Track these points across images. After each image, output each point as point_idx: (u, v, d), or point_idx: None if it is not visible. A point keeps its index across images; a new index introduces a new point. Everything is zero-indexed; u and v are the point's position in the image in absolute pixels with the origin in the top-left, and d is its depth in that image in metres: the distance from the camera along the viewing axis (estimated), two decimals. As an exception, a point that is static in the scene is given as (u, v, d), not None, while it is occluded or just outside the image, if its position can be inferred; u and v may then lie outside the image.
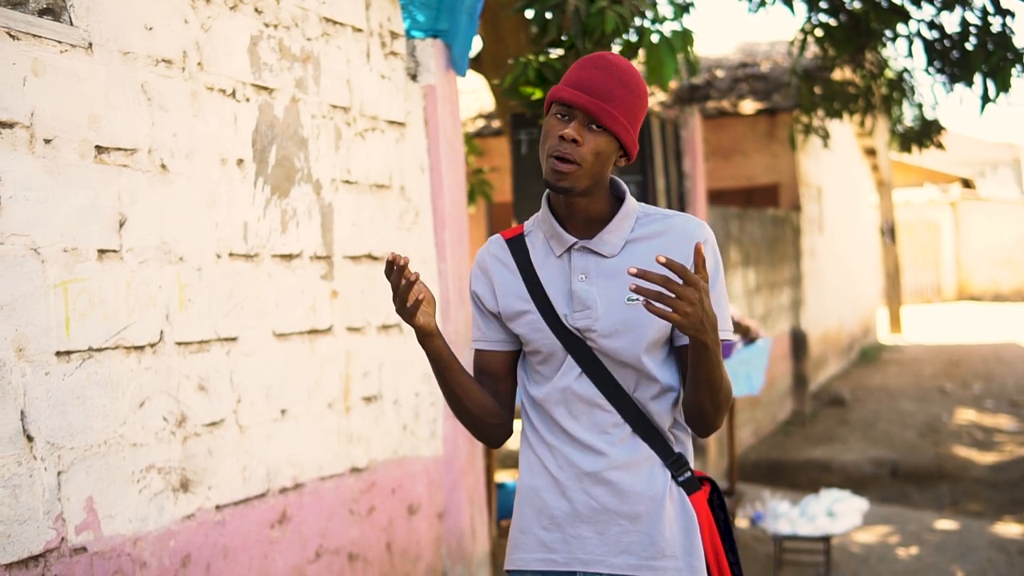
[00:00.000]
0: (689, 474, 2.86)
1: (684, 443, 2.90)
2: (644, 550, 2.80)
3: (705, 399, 2.72)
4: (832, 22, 10.63)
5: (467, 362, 4.98)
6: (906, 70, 12.82)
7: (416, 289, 2.73)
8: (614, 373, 2.81)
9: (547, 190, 2.85)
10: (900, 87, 12.62)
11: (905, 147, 13.45)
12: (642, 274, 2.46)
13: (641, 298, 2.63)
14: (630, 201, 2.84)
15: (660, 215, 2.85)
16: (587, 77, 2.71)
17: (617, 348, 2.78)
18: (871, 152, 23.33)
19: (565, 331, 2.81)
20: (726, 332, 2.75)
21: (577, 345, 2.81)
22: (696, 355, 2.64)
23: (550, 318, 2.82)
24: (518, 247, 2.91)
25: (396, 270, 2.66)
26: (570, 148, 2.69)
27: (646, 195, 9.99)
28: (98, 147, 3.79)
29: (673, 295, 2.47)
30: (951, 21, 17.11)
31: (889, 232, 25.27)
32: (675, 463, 2.84)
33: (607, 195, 2.84)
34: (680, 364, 2.85)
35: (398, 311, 2.71)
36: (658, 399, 2.83)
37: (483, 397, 2.96)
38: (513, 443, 12.50)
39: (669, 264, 2.44)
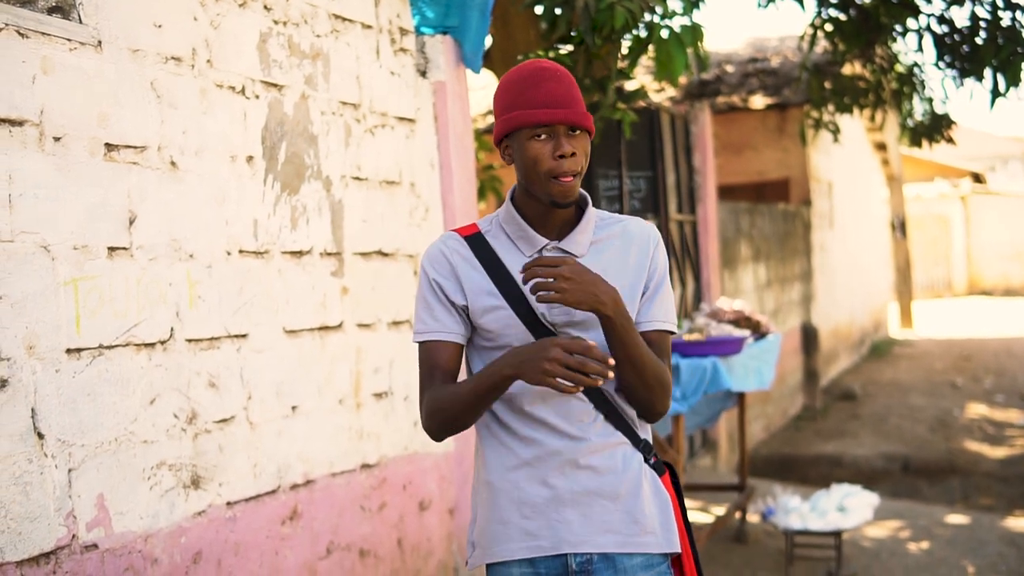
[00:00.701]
0: (655, 458, 3.00)
1: (647, 431, 3.02)
2: (627, 527, 2.90)
3: (631, 376, 2.84)
4: (842, 17, 10.61)
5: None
6: (916, 64, 12.78)
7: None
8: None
9: (509, 193, 2.97)
10: (910, 81, 12.59)
11: (915, 142, 13.42)
12: (525, 272, 2.71)
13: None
14: (590, 206, 2.97)
15: (615, 219, 3.01)
16: (548, 92, 2.81)
17: (592, 341, 2.80)
18: (881, 147, 23.29)
19: (539, 327, 2.87)
20: (668, 323, 2.98)
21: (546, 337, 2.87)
22: (605, 330, 2.79)
23: (524, 314, 2.88)
24: (479, 245, 2.96)
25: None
26: (571, 163, 2.80)
27: (656, 191, 10.00)
28: (108, 145, 3.79)
29: (550, 279, 2.68)
30: (961, 15, 17.03)
31: (900, 227, 25.22)
32: (644, 447, 2.96)
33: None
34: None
35: (551, 370, 2.65)
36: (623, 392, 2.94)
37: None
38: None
39: (536, 261, 2.70)
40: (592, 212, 2.96)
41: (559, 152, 2.78)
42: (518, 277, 2.89)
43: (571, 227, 2.93)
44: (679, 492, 3.09)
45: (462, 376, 2.99)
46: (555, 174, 2.79)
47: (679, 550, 2.97)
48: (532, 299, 2.87)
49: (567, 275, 2.68)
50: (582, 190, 2.94)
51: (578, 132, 2.82)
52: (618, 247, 2.95)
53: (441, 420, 2.92)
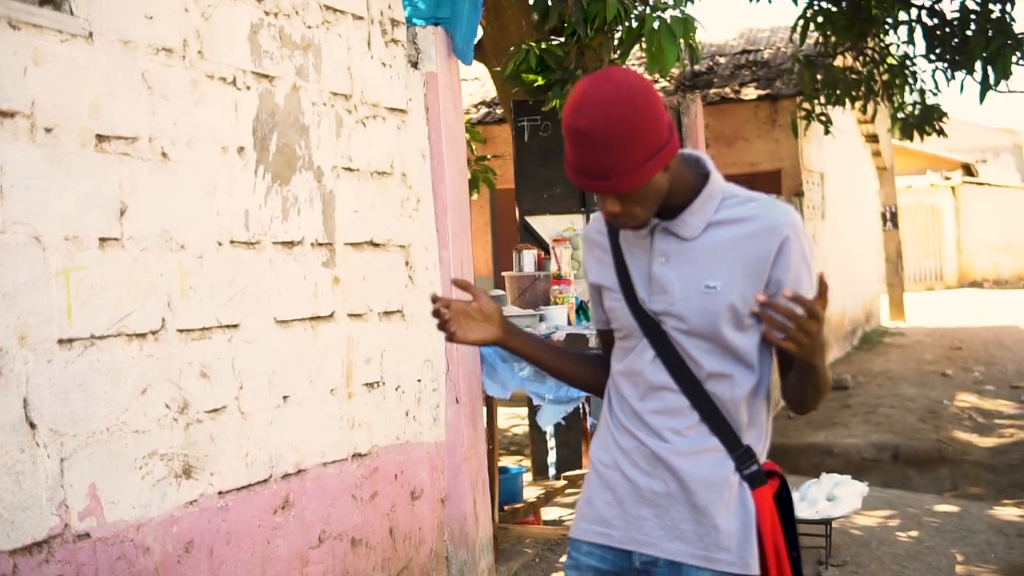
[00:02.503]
0: (755, 467, 2.82)
1: (756, 435, 2.86)
2: (699, 540, 2.79)
3: (809, 397, 2.82)
4: (833, 9, 10.65)
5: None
6: (907, 56, 12.81)
7: (446, 311, 2.90)
8: (686, 359, 2.79)
9: None
10: (901, 73, 12.61)
11: (906, 133, 13.46)
12: (769, 305, 2.54)
13: (718, 285, 2.72)
14: (715, 180, 2.79)
15: (744, 197, 2.79)
16: (581, 160, 2.59)
17: (691, 334, 2.77)
18: (873, 138, 23.31)
19: (642, 313, 2.82)
20: None
21: (653, 328, 2.81)
22: (802, 369, 2.73)
23: (630, 299, 2.84)
24: (613, 227, 2.92)
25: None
26: (621, 217, 2.71)
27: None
28: (99, 136, 3.81)
29: (793, 325, 2.54)
30: (951, 7, 17.07)
31: (891, 218, 25.25)
32: (742, 455, 2.80)
33: (687, 176, 2.78)
34: (778, 356, 2.87)
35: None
36: (730, 388, 2.80)
37: (586, 369, 3.14)
38: (514, 428, 12.53)
39: (796, 299, 2.51)
40: (715, 189, 2.77)
41: (606, 213, 2.71)
42: (632, 258, 2.85)
43: (685, 205, 2.77)
44: (791, 505, 2.94)
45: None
46: (607, 219, 2.77)
47: (755, 572, 2.79)
48: (637, 283, 2.83)
49: (811, 332, 2.55)
50: (706, 160, 2.81)
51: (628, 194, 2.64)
52: (739, 233, 2.74)
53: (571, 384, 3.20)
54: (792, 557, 2.89)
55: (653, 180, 2.62)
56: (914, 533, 8.10)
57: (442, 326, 2.92)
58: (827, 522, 7.33)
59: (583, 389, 3.17)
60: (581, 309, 7.28)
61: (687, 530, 2.80)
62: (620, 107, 2.53)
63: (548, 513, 8.16)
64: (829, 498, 7.50)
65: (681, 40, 6.57)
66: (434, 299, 2.90)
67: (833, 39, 11.11)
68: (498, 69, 8.20)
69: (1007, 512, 8.90)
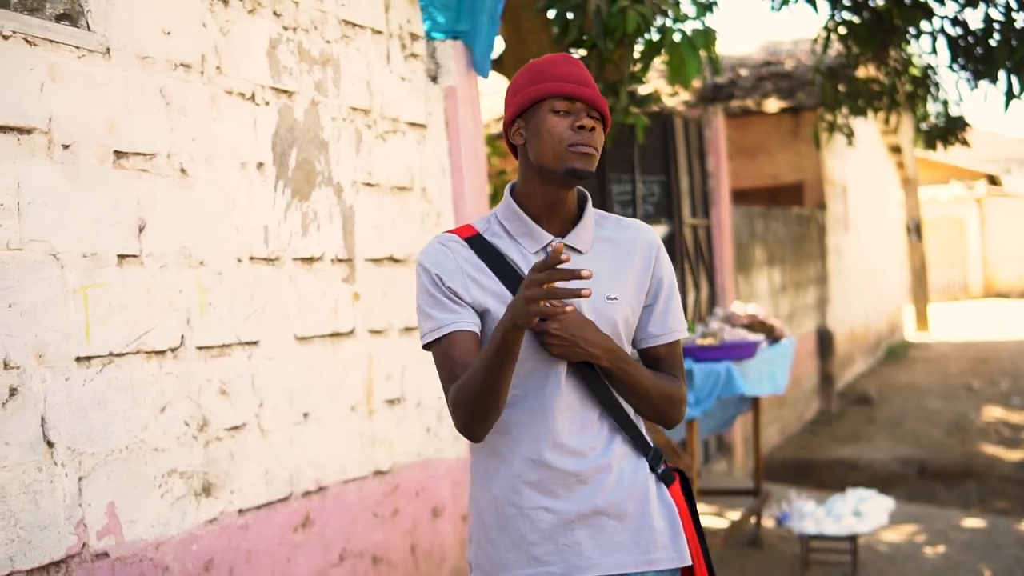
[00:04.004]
0: (664, 467, 2.93)
1: (649, 438, 2.95)
2: (637, 545, 2.83)
3: (638, 405, 2.86)
4: (855, 19, 10.59)
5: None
6: (930, 67, 12.74)
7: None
8: (597, 368, 2.81)
9: (508, 189, 2.88)
10: (924, 84, 12.54)
11: (930, 144, 13.37)
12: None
13: (618, 295, 2.82)
14: (590, 202, 2.93)
15: (613, 218, 2.96)
16: (573, 72, 2.79)
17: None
18: (896, 149, 23.23)
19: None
20: (682, 331, 2.96)
21: None
22: (605, 375, 2.81)
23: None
24: (481, 246, 2.83)
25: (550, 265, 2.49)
26: (592, 137, 2.75)
27: (670, 195, 9.98)
28: (117, 152, 3.79)
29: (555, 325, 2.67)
30: (975, 17, 16.99)
31: (915, 229, 25.16)
32: (653, 456, 2.89)
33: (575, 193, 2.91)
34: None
35: (532, 305, 2.49)
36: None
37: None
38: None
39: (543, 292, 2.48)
40: (591, 209, 2.90)
41: (579, 123, 2.73)
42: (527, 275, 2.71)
43: (574, 223, 2.86)
44: (690, 499, 3.01)
45: None
46: (573, 144, 2.72)
47: (689, 562, 2.90)
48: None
49: (560, 332, 2.67)
50: (581, 188, 2.89)
51: (595, 117, 2.77)
52: (619, 250, 2.88)
53: (467, 408, 2.70)
54: (702, 546, 2.99)
55: (603, 132, 2.81)
56: (941, 548, 8.04)
57: (543, 308, 2.54)
58: (853, 538, 7.28)
59: (491, 415, 2.75)
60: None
61: (624, 540, 2.83)
62: None
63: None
64: (855, 513, 7.46)
65: (702, 52, 6.54)
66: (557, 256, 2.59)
67: (855, 50, 11.04)
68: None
69: (1035, 526, 8.83)
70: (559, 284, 2.61)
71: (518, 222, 2.83)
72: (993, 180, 35.84)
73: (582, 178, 2.74)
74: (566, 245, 2.82)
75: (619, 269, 2.85)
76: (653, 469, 2.90)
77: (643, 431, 2.91)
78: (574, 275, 2.42)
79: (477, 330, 2.78)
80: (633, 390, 2.81)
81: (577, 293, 2.43)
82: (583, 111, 2.75)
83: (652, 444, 2.91)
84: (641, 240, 2.91)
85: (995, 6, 9.57)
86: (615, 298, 2.81)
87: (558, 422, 2.79)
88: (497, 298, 2.77)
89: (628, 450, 2.86)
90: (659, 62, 7.59)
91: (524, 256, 2.81)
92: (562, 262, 2.42)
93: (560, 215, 2.83)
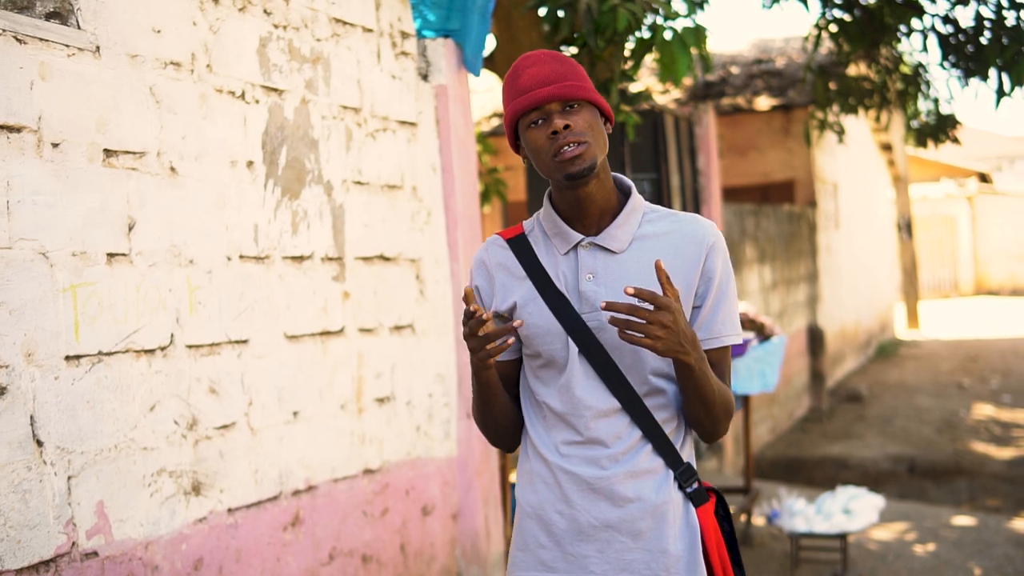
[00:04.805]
0: (697, 485, 2.77)
1: (690, 453, 2.82)
2: (647, 567, 2.71)
3: (699, 413, 2.72)
4: (846, 17, 10.60)
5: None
6: (921, 65, 12.76)
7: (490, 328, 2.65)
8: (627, 375, 2.72)
9: (548, 190, 2.83)
10: (915, 82, 12.55)
11: (921, 142, 13.39)
12: (608, 306, 2.48)
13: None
14: (636, 196, 2.80)
15: (667, 213, 2.80)
16: (532, 77, 2.69)
17: (628, 349, 2.70)
18: (887, 147, 23.28)
19: (580, 331, 2.72)
20: (734, 336, 2.79)
21: (590, 346, 2.71)
22: (681, 374, 2.65)
23: (566, 318, 2.73)
24: (521, 247, 2.84)
25: (469, 314, 2.62)
26: (570, 134, 2.64)
27: (660, 193, 9.97)
28: (106, 150, 3.78)
29: (644, 321, 2.50)
30: (965, 15, 17.00)
31: (906, 227, 25.20)
32: (684, 473, 2.75)
33: (613, 187, 2.80)
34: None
35: (478, 353, 2.66)
36: (667, 404, 2.75)
37: (515, 410, 2.91)
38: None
39: (638, 293, 2.47)
40: (637, 204, 2.78)
41: (551, 130, 2.63)
42: (556, 276, 2.76)
43: (610, 220, 2.76)
44: (730, 522, 2.88)
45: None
46: (556, 151, 2.64)
47: None
48: (575, 300, 2.73)
49: (666, 324, 2.51)
50: (626, 179, 2.82)
51: (576, 107, 2.67)
52: (666, 246, 2.72)
53: (480, 426, 2.93)
54: (737, 575, 2.86)
55: (597, 120, 2.71)
56: (931, 547, 8.06)
57: (482, 344, 2.64)
58: (843, 536, 7.29)
59: (506, 436, 2.94)
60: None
61: (634, 560, 2.72)
62: (561, 53, 2.76)
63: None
64: (845, 511, 7.46)
65: (693, 50, 6.53)
66: (469, 296, 2.64)
67: (846, 48, 11.05)
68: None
69: (1025, 524, 8.85)
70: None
71: (552, 223, 2.80)
72: (984, 178, 35.93)
73: (582, 177, 2.66)
74: (596, 244, 2.74)
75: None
76: (682, 487, 2.76)
77: (676, 445, 2.76)
78: (482, 322, 2.57)
79: (512, 354, 2.90)
80: (703, 397, 2.67)
81: (510, 329, 2.58)
82: (555, 112, 2.66)
83: (685, 463, 2.77)
84: (690, 235, 2.74)
85: (986, 4, 9.58)
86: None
87: (583, 428, 2.74)
88: (526, 295, 2.79)
89: (654, 464, 2.73)
90: (650, 60, 7.58)
91: (554, 257, 2.79)
92: (467, 302, 2.58)
93: (592, 213, 2.76)
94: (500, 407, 2.85)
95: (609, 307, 2.48)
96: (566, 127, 2.64)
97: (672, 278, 2.65)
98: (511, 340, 2.62)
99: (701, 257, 2.72)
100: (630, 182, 2.83)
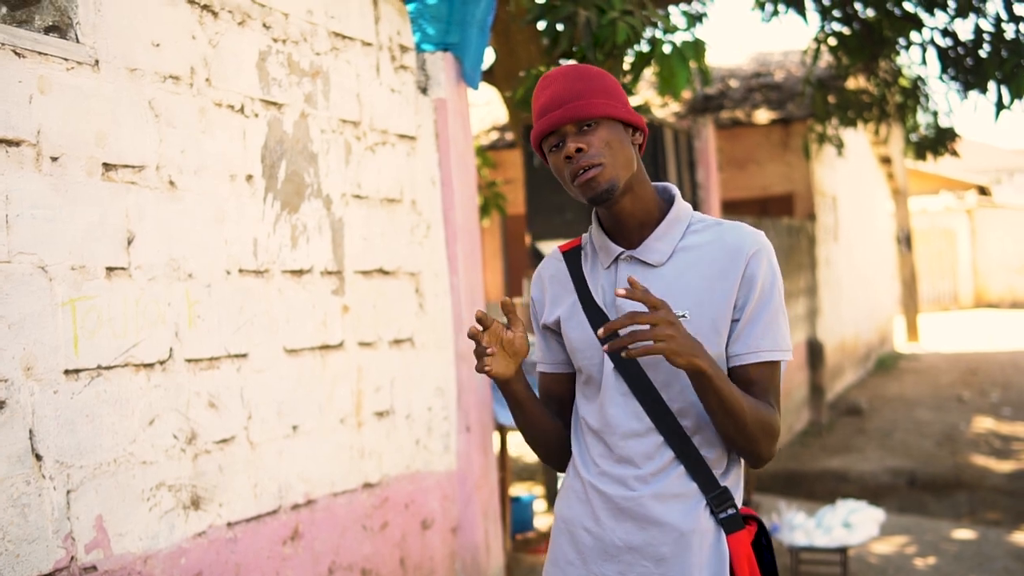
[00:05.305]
0: (732, 511, 2.66)
1: (734, 476, 2.71)
2: None
3: (729, 430, 2.59)
4: (845, 31, 10.62)
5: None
6: (920, 78, 12.78)
7: (492, 339, 2.70)
8: (663, 393, 2.65)
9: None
10: (914, 95, 12.58)
11: (920, 155, 13.41)
12: (608, 327, 2.44)
13: (688, 312, 2.60)
14: (680, 205, 2.73)
15: (712, 222, 2.72)
16: (548, 97, 2.64)
17: (667, 366, 2.63)
18: (886, 160, 23.28)
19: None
20: (775, 352, 2.65)
21: (625, 362, 2.66)
22: (697, 384, 2.54)
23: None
24: (573, 260, 2.82)
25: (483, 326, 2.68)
26: (583, 157, 2.59)
27: (660, 206, 9.95)
28: (105, 164, 3.78)
29: (648, 327, 2.43)
30: (965, 28, 17.06)
31: (905, 240, 25.21)
32: (718, 498, 2.64)
33: (654, 197, 2.73)
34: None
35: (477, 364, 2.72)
36: (708, 425, 2.65)
37: (555, 427, 2.89)
38: (525, 455, 12.48)
39: (629, 293, 2.43)
40: (681, 213, 2.71)
41: (566, 155, 2.59)
42: (595, 291, 2.74)
43: (651, 232, 2.70)
44: (764, 552, 2.76)
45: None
46: (573, 176, 2.60)
47: None
48: (612, 315, 2.69)
49: (672, 320, 2.44)
50: (670, 187, 2.77)
51: (592, 126, 2.60)
52: (702, 258, 2.65)
53: (525, 441, 2.94)
54: None
55: (619, 134, 2.63)
56: (932, 560, 8.04)
57: (480, 354, 2.68)
58: (843, 549, 7.28)
59: (550, 454, 2.93)
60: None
61: None
62: (588, 66, 2.69)
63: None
64: (845, 525, 7.45)
65: (692, 64, 6.54)
66: (480, 317, 2.66)
67: (845, 61, 11.08)
68: (508, 94, 8.19)
69: (1026, 538, 8.84)
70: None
71: (598, 236, 2.77)
72: (983, 191, 35.95)
73: (603, 200, 2.62)
74: (634, 257, 2.69)
75: (698, 280, 2.64)
76: (714, 512, 2.66)
77: (713, 468, 2.66)
78: (477, 338, 2.66)
79: (558, 368, 2.91)
80: (729, 411, 2.53)
81: (484, 352, 2.65)
82: (569, 134, 2.61)
83: (722, 487, 2.66)
84: (730, 245, 2.64)
85: (985, 17, 9.61)
86: (683, 315, 2.59)
87: (614, 447, 2.70)
88: (570, 309, 2.78)
89: (686, 487, 2.65)
90: (649, 73, 7.59)
91: (598, 270, 2.77)
92: (507, 309, 2.67)
93: (632, 227, 2.70)
94: (531, 421, 2.85)
95: (607, 328, 2.44)
96: (579, 150, 2.59)
97: (708, 291, 2.62)
98: (491, 349, 2.65)
99: (741, 266, 2.62)
100: (674, 191, 2.78)
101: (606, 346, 2.45)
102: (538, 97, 2.67)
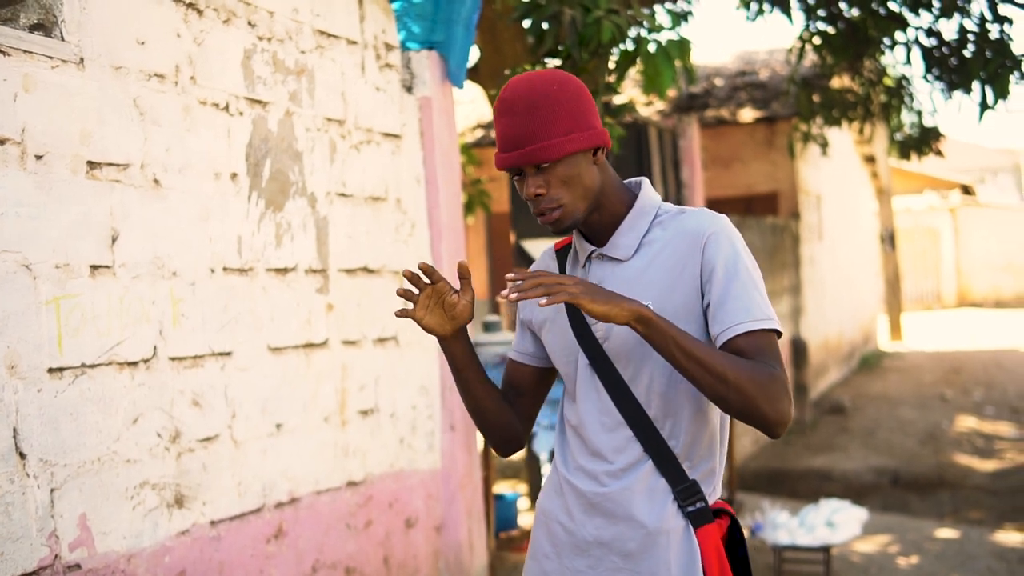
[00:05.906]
0: (701, 504, 2.62)
1: (706, 470, 2.67)
2: None
3: (712, 388, 2.45)
4: (830, 30, 10.63)
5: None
6: (904, 77, 12.81)
7: (433, 295, 2.70)
8: (631, 387, 2.64)
9: None
10: (899, 94, 12.61)
11: (904, 154, 13.44)
12: (508, 277, 2.44)
13: (651, 303, 2.58)
14: (644, 198, 2.71)
15: (675, 212, 2.69)
16: (503, 130, 2.59)
17: (635, 359, 2.63)
18: (870, 159, 23.33)
19: (589, 342, 2.68)
20: (753, 322, 2.52)
21: (597, 357, 2.67)
22: (649, 338, 2.46)
23: (578, 329, 2.71)
24: (563, 257, 2.88)
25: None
26: (543, 201, 2.59)
27: (644, 204, 9.97)
28: (90, 162, 3.77)
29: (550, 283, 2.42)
30: (949, 28, 17.07)
31: (889, 239, 25.26)
32: (685, 491, 2.61)
33: (622, 198, 2.72)
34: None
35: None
36: (678, 418, 2.63)
37: (499, 407, 2.88)
38: (517, 454, 12.48)
39: (517, 278, 2.45)
40: (646, 206, 2.70)
41: (525, 196, 2.61)
42: None
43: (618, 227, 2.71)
44: (743, 546, 2.74)
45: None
46: (534, 212, 2.62)
47: None
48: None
49: (580, 280, 2.43)
50: (637, 183, 2.76)
51: (549, 166, 2.56)
52: (669, 248, 2.63)
53: (475, 425, 2.96)
54: None
55: (579, 165, 2.59)
56: (914, 559, 8.06)
57: (408, 296, 2.69)
58: (826, 549, 7.29)
59: (487, 430, 2.91)
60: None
61: None
62: (546, 80, 2.59)
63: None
64: (828, 524, 7.46)
65: (677, 62, 6.55)
66: (426, 269, 2.62)
67: (830, 60, 11.09)
68: (493, 92, 8.18)
69: (1009, 537, 8.86)
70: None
71: (576, 235, 2.80)
72: (967, 190, 36.02)
73: (569, 230, 2.65)
74: (604, 255, 2.70)
75: (663, 270, 2.62)
76: (683, 506, 2.63)
77: (682, 463, 2.63)
78: (414, 282, 2.70)
79: (527, 359, 2.94)
80: (699, 361, 2.42)
81: (410, 297, 2.69)
82: (528, 174, 2.60)
83: (690, 480, 2.62)
84: (690, 231, 2.61)
85: (969, 17, 9.62)
86: (647, 304, 2.54)
87: (588, 442, 2.71)
88: (553, 307, 2.79)
89: (655, 483, 2.63)
90: (634, 72, 7.59)
91: (574, 268, 2.81)
92: (462, 273, 2.67)
93: (600, 228, 2.71)
94: (467, 388, 2.84)
95: (508, 280, 2.44)
96: (538, 195, 2.59)
97: (671, 280, 2.59)
98: (417, 298, 2.70)
99: (699, 250, 2.58)
100: (641, 185, 2.76)
101: (504, 292, 2.44)
102: (496, 120, 2.62)
